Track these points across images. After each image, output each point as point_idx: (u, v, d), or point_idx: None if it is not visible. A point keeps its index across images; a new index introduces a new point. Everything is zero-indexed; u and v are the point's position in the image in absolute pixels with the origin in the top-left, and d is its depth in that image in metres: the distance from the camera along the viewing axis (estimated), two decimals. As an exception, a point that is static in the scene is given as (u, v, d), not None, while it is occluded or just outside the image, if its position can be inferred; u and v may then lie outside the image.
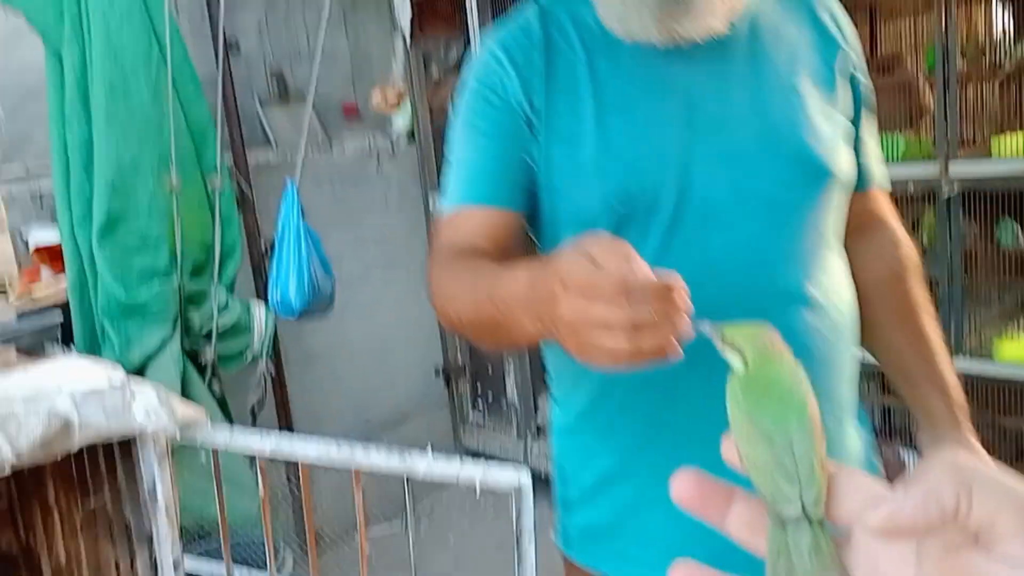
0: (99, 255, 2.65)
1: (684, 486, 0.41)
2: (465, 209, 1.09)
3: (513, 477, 1.43)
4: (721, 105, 1.06)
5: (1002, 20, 3.23)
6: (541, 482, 3.56)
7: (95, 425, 1.55)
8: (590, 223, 1.05)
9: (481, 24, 3.34)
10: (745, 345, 0.43)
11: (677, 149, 1.04)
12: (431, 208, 3.86)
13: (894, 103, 3.19)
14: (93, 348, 2.73)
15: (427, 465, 1.55)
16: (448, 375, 4.01)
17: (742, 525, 0.42)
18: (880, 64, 3.28)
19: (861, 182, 1.22)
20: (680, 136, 1.05)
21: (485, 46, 1.13)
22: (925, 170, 2.75)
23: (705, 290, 0.78)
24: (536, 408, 3.78)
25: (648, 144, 1.04)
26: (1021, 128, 2.92)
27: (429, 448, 1.60)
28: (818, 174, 1.09)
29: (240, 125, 3.21)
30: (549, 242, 1.14)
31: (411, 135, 3.89)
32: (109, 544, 1.86)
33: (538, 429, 3.75)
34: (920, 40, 3.12)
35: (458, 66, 3.89)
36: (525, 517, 1.40)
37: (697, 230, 1.04)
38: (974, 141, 2.89)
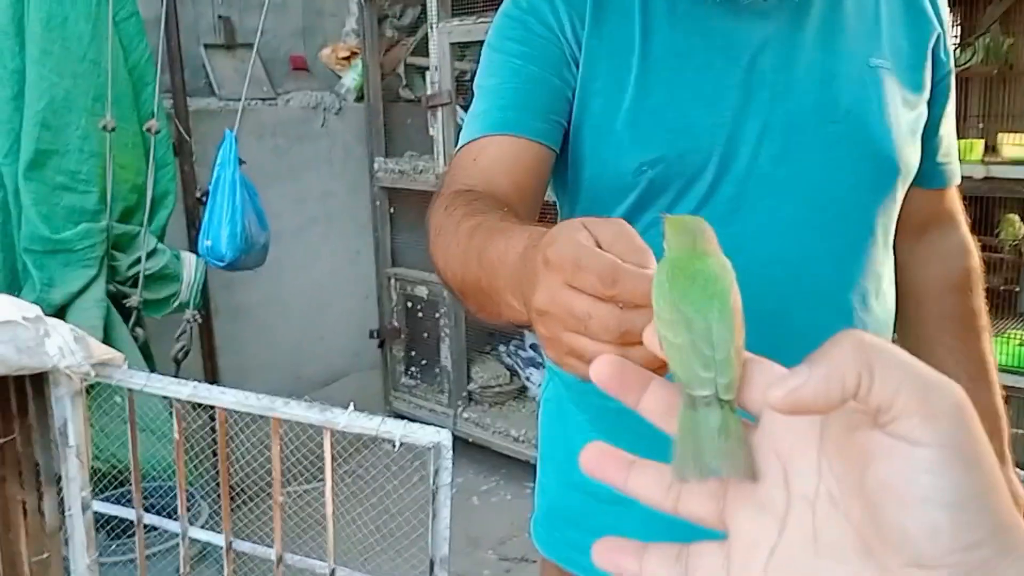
0: (25, 191, 2.57)
1: (604, 367, 0.42)
2: (489, 138, 0.94)
3: (433, 434, 1.43)
4: (785, 71, 0.95)
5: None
6: (467, 447, 3.61)
7: (4, 358, 1.50)
8: (617, 189, 0.96)
9: (439, -14, 3.30)
10: (679, 232, 0.44)
11: (728, 114, 0.94)
12: (375, 169, 3.82)
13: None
14: (13, 286, 2.65)
15: (347, 419, 1.54)
16: (382, 338, 3.99)
17: (656, 405, 0.43)
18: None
19: (937, 178, 1.11)
20: (734, 99, 0.94)
21: None
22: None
23: None
24: (469, 376, 3.79)
25: (696, 105, 0.94)
26: (957, 135, 3.00)
27: (351, 404, 1.59)
28: (882, 168, 0.98)
29: (182, 69, 3.13)
30: (567, 209, 1.04)
31: (360, 94, 3.83)
32: (16, 483, 1.81)
33: (469, 396, 3.76)
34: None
35: (413, 28, 3.84)
36: (443, 474, 1.40)
37: (732, 209, 0.94)
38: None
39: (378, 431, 1.52)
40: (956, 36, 3.21)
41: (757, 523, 0.39)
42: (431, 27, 3.34)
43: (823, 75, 0.96)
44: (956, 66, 2.91)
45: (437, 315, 3.75)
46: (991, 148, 2.78)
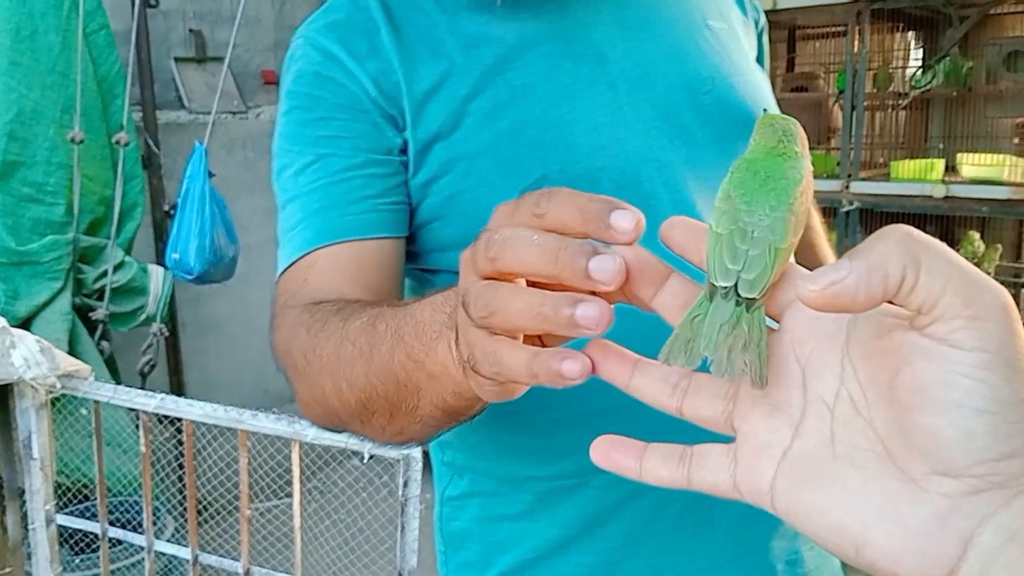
0: (-10, 201, 2.54)
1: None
2: (315, 253, 0.79)
3: (402, 446, 1.43)
4: (635, 56, 0.86)
5: (910, 50, 3.38)
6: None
7: (-32, 369, 1.48)
8: None
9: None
10: (765, 129, 0.42)
11: (600, 114, 0.83)
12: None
13: (805, 120, 3.31)
14: (-23, 298, 2.61)
15: (316, 432, 1.54)
16: (351, 355, 3.97)
17: (670, 299, 0.40)
18: (795, 82, 3.39)
19: None
20: (600, 98, 0.83)
21: (305, 40, 0.86)
22: (829, 186, 2.87)
23: None
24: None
25: (560, 111, 0.82)
26: (918, 155, 3.07)
27: (320, 416, 1.58)
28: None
29: (152, 82, 3.12)
30: (444, 277, 0.86)
31: (331, 109, 3.83)
32: (-23, 497, 1.78)
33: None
34: (834, 62, 3.24)
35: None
36: (412, 486, 1.40)
37: (645, 208, 0.83)
38: (875, 163, 3.02)
39: (347, 443, 1.52)
40: (918, 60, 3.29)
41: (769, 425, 0.38)
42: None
43: (672, 49, 0.88)
44: (917, 88, 3.00)
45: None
46: (951, 168, 2.84)
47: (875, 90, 3.08)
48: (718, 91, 0.88)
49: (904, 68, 3.27)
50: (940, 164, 2.79)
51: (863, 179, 2.82)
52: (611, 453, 0.40)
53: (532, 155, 0.81)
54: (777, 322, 0.39)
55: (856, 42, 2.77)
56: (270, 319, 0.79)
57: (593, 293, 0.38)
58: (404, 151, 0.83)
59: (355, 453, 1.54)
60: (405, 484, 1.41)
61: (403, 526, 1.43)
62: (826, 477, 0.35)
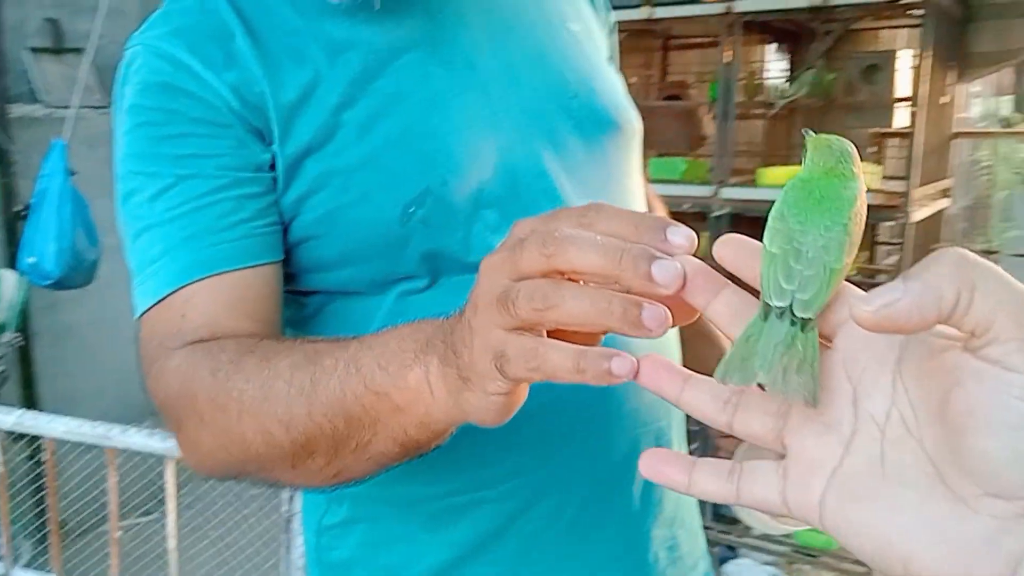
0: None
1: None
2: (189, 288, 0.71)
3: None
4: (502, 61, 0.83)
5: (777, 62, 3.53)
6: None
7: None
8: (387, 248, 0.77)
9: None
10: (818, 150, 0.41)
11: (482, 124, 0.80)
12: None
13: (678, 128, 3.40)
14: None
15: (193, 447, 1.46)
16: (223, 362, 3.83)
17: (723, 308, 0.41)
18: (668, 90, 3.49)
19: None
20: (479, 106, 0.80)
21: (145, 47, 0.76)
22: (700, 192, 2.95)
23: None
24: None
25: (435, 121, 0.78)
26: (785, 162, 3.21)
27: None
28: (626, 129, 0.90)
29: (4, 73, 2.91)
30: (313, 307, 0.82)
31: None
32: None
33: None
34: (706, 72, 3.35)
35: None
36: (296, 500, 1.35)
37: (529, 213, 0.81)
38: (744, 170, 3.13)
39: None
40: (786, 71, 3.44)
41: (820, 443, 0.38)
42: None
43: (536, 53, 0.86)
44: (785, 99, 3.13)
45: (282, 336, 3.63)
46: (815, 176, 2.97)
47: (744, 99, 3.20)
48: (583, 95, 0.87)
49: (771, 79, 3.41)
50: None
51: (733, 185, 2.92)
52: (661, 467, 0.41)
53: (413, 167, 0.77)
54: (830, 341, 0.39)
55: (727, 53, 2.86)
56: (142, 363, 0.71)
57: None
58: (272, 167, 0.76)
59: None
60: (290, 499, 1.36)
61: (287, 543, 1.37)
62: (875, 495, 0.36)
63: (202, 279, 0.71)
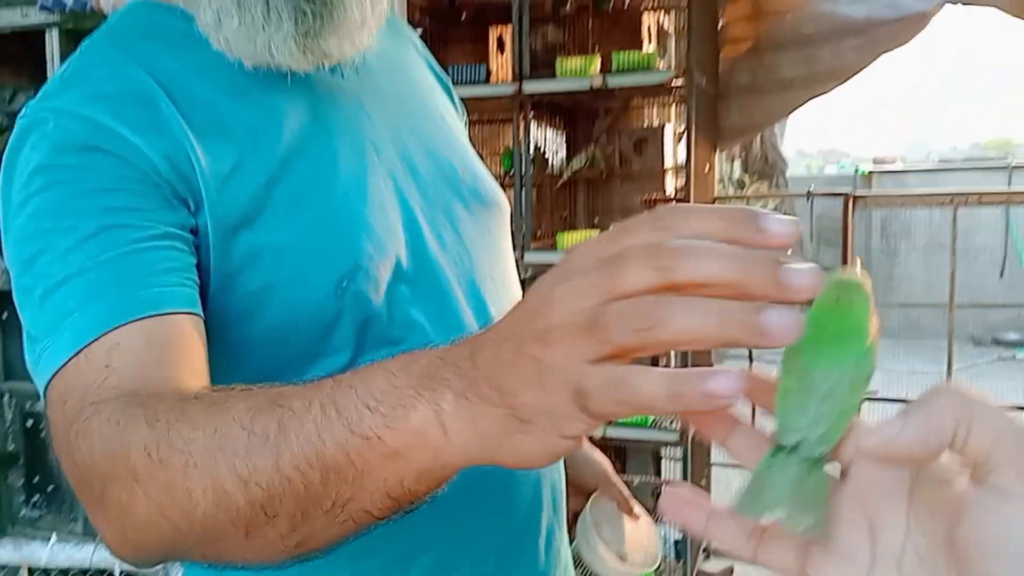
0: None
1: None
2: (122, 331, 0.63)
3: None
4: (400, 149, 0.88)
5: (558, 139, 3.83)
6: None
7: None
8: (320, 323, 0.76)
9: (63, 76, 3.06)
10: (833, 284, 0.40)
11: (393, 206, 0.84)
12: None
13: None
14: None
15: (49, 552, 1.37)
16: (-5, 467, 3.45)
17: (742, 444, 0.42)
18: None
19: None
20: (389, 190, 0.84)
21: (58, 112, 0.72)
22: (506, 257, 3.13)
23: None
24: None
25: (366, 208, 0.81)
26: (579, 227, 3.48)
27: None
28: (502, 214, 0.97)
29: None
30: (230, 375, 0.69)
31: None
32: None
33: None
34: (495, 146, 3.57)
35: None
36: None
37: (435, 294, 0.84)
38: (543, 235, 3.36)
39: (92, 562, 1.37)
40: (564, 146, 3.74)
41: (841, 574, 0.39)
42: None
43: (426, 142, 0.91)
44: (571, 170, 3.40)
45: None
46: (605, 239, 3.24)
47: (534, 171, 3.45)
48: (468, 180, 0.93)
49: (555, 152, 3.69)
50: (596, 233, 3.18)
51: (535, 250, 3.13)
52: (681, 507, 0.42)
53: (342, 244, 0.78)
54: (845, 473, 0.40)
55: (520, 129, 3.08)
56: (55, 430, 0.61)
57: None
58: (196, 234, 0.73)
59: (102, 572, 1.39)
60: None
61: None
62: None
63: (131, 322, 0.63)
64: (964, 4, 3.13)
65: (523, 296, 0.45)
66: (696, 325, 0.36)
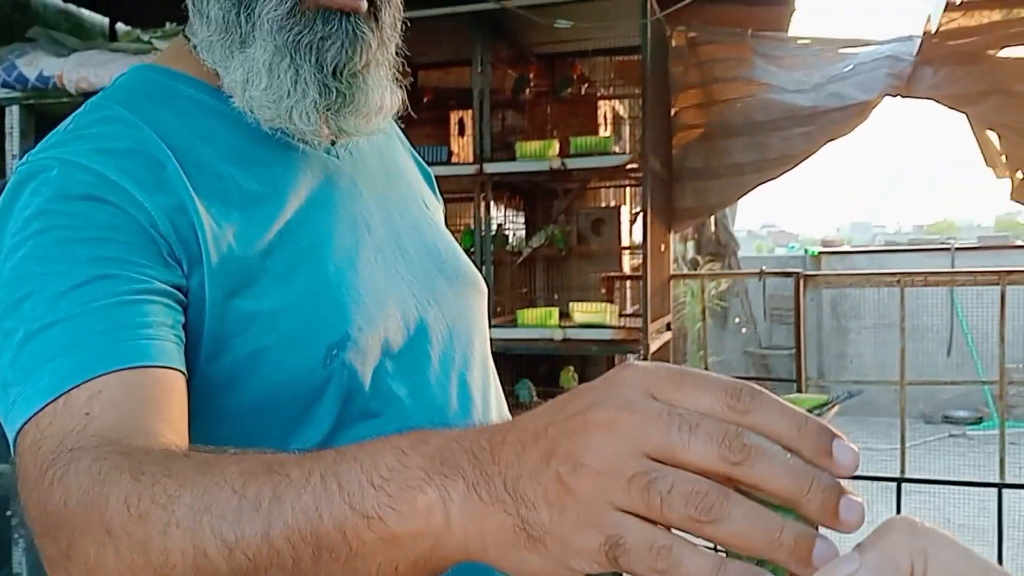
0: None
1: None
2: (106, 380, 0.61)
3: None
4: (388, 227, 0.91)
5: (517, 218, 3.90)
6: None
7: None
8: (307, 390, 0.77)
9: (24, 148, 3.06)
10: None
11: (382, 280, 0.86)
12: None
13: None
14: None
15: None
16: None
17: None
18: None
19: None
20: (378, 264, 0.86)
21: (63, 162, 0.72)
22: (466, 334, 3.15)
23: None
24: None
25: (357, 280, 0.83)
26: (538, 304, 3.52)
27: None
28: (481, 288, 1.00)
29: None
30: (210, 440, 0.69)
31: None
32: None
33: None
34: (456, 223, 3.63)
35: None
36: None
37: (416, 370, 0.85)
38: (503, 311, 3.39)
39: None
40: (524, 225, 3.81)
41: None
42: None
43: (412, 222, 0.95)
44: (531, 248, 3.45)
45: (8, 513, 3.25)
46: (565, 315, 3.29)
47: (494, 249, 3.50)
48: (450, 260, 0.96)
49: (515, 231, 3.76)
50: (555, 312, 3.22)
51: (495, 326, 3.16)
52: None
53: (333, 314, 0.79)
54: None
55: (481, 208, 3.14)
56: (25, 474, 0.58)
57: None
58: (187, 296, 0.73)
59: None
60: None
61: None
62: None
63: (115, 372, 0.62)
64: (903, 97, 3.30)
65: (557, 398, 0.43)
66: (750, 537, 0.37)
